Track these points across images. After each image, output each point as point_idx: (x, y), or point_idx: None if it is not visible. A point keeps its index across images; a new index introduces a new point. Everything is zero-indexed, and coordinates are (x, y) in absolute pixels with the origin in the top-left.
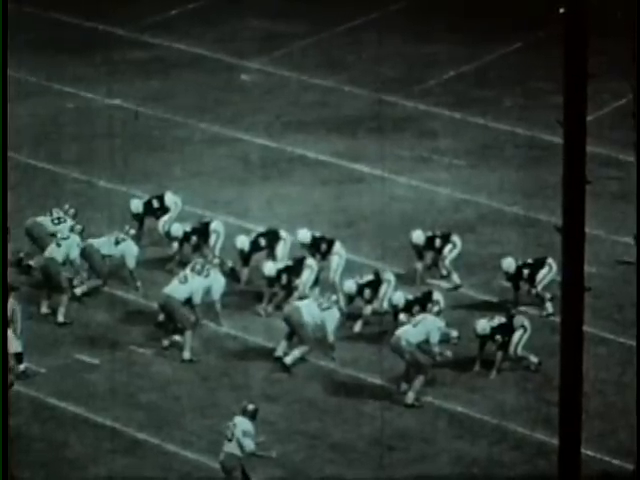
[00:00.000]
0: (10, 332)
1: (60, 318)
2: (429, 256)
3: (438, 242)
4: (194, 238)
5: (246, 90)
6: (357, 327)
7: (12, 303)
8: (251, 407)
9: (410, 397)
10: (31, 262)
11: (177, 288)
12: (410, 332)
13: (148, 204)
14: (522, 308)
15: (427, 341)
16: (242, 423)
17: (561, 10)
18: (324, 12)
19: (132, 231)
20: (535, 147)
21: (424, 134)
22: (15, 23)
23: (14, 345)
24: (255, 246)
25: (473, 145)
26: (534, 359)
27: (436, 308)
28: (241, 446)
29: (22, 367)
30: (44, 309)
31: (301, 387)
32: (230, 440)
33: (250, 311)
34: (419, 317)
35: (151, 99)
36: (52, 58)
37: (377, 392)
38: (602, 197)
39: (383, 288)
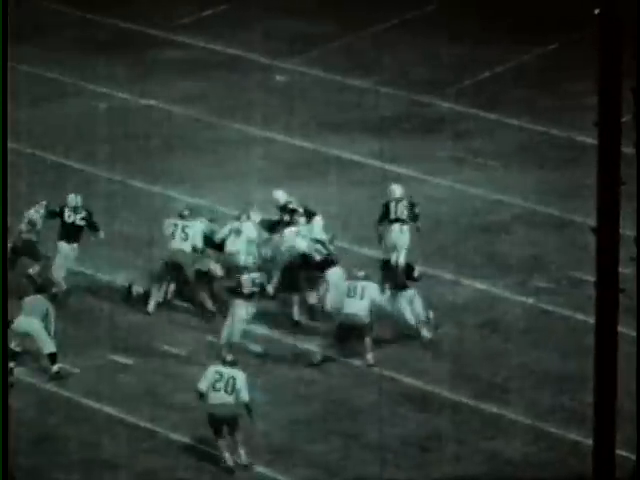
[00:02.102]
0: (45, 333)
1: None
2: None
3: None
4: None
5: (280, 91)
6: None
7: (46, 304)
8: (230, 357)
9: (370, 358)
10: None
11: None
12: (361, 305)
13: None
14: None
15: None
16: (239, 374)
17: (596, 11)
18: (359, 13)
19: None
20: (570, 148)
21: (459, 135)
22: (50, 23)
23: (48, 346)
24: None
25: (508, 146)
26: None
27: (362, 273)
28: (239, 397)
29: (56, 368)
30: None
31: (336, 387)
32: (229, 393)
33: (283, 313)
34: (358, 288)
35: (185, 100)
36: (86, 58)
37: (411, 392)
38: (637, 198)
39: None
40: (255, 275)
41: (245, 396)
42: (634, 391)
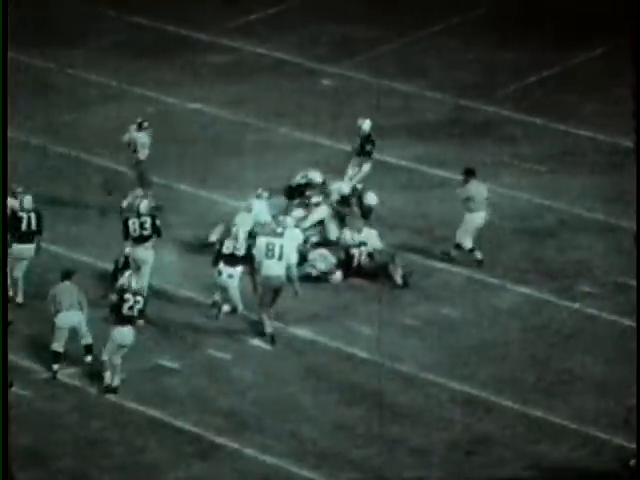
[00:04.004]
0: (85, 324)
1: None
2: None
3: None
4: None
5: (327, 95)
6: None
7: (75, 290)
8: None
9: (269, 326)
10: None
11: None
12: (279, 266)
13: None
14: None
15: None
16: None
17: None
18: (405, 17)
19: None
20: (616, 153)
21: (505, 139)
22: (98, 27)
23: (86, 337)
24: None
25: (554, 151)
26: None
27: (280, 229)
28: None
29: (89, 359)
30: None
31: (381, 391)
32: None
33: (327, 316)
34: (277, 250)
35: (232, 103)
36: (133, 62)
37: (457, 396)
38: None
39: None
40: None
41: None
42: None
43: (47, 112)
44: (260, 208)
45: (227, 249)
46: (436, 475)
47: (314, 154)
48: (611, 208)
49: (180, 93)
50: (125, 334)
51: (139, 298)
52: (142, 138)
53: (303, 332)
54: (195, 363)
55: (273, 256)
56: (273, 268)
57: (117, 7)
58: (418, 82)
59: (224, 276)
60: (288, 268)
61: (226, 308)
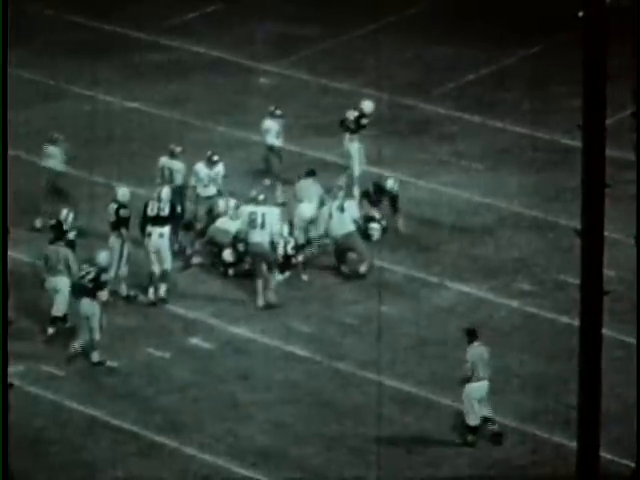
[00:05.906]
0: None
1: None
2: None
3: None
4: None
5: (264, 93)
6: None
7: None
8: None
9: (272, 296)
10: None
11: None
12: (264, 233)
13: None
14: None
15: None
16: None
17: (580, 14)
18: (342, 15)
19: None
20: (554, 151)
21: (443, 137)
22: (35, 25)
23: (57, 308)
24: None
25: (492, 149)
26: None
27: (261, 196)
28: None
29: (51, 330)
30: None
31: (320, 390)
32: None
33: (268, 314)
34: (259, 219)
35: (169, 102)
36: (71, 61)
37: (396, 395)
38: (622, 200)
39: None
40: None
41: None
42: (619, 394)
43: None
44: (270, 126)
45: (152, 211)
46: (375, 474)
47: (252, 153)
48: (550, 206)
49: (118, 92)
50: (80, 305)
51: (91, 269)
52: (271, 125)
53: (242, 330)
54: (134, 362)
55: (255, 226)
56: (254, 236)
57: (55, 6)
58: (355, 80)
59: (155, 237)
60: (272, 236)
61: (162, 292)
